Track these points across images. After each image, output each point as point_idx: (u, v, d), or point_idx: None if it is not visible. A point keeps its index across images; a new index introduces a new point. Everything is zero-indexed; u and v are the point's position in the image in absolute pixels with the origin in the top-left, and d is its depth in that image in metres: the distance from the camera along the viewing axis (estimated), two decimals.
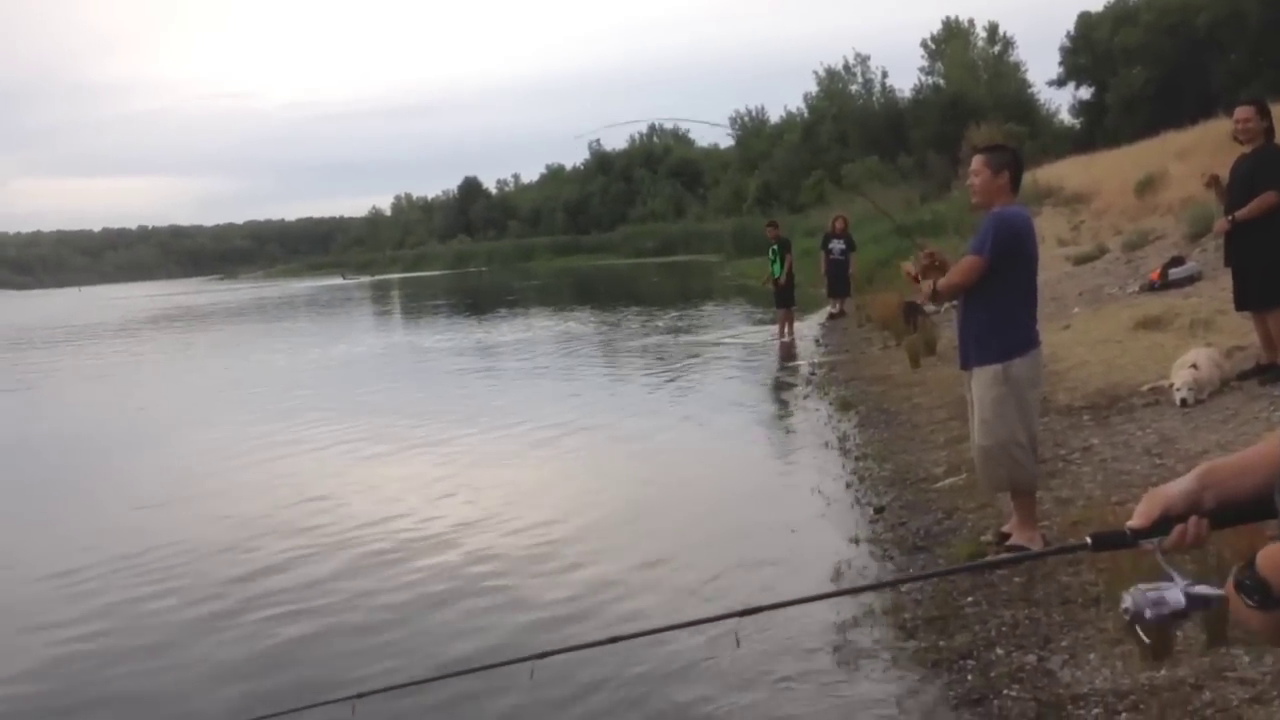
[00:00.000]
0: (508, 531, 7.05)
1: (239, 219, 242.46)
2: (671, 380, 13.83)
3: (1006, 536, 5.46)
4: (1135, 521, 1.78)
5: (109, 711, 4.82)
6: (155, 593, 6.28)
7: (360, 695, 2.56)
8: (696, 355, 16.34)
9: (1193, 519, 1.74)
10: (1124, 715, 3.62)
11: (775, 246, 17.62)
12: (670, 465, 8.93)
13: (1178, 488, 1.79)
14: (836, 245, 18.91)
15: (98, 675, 5.19)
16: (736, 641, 4.51)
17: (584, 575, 5.99)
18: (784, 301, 17.23)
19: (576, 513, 7.41)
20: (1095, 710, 3.70)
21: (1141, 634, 1.73)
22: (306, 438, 11.12)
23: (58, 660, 5.39)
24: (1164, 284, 12.40)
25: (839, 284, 19.00)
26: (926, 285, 5.61)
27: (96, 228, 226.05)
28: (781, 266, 17.20)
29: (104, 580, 6.59)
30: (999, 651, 4.37)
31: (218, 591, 6.21)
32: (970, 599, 4.95)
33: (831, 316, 18.90)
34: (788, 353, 15.66)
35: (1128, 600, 1.72)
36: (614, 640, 2.39)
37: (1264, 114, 7.40)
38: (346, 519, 7.66)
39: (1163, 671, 3.82)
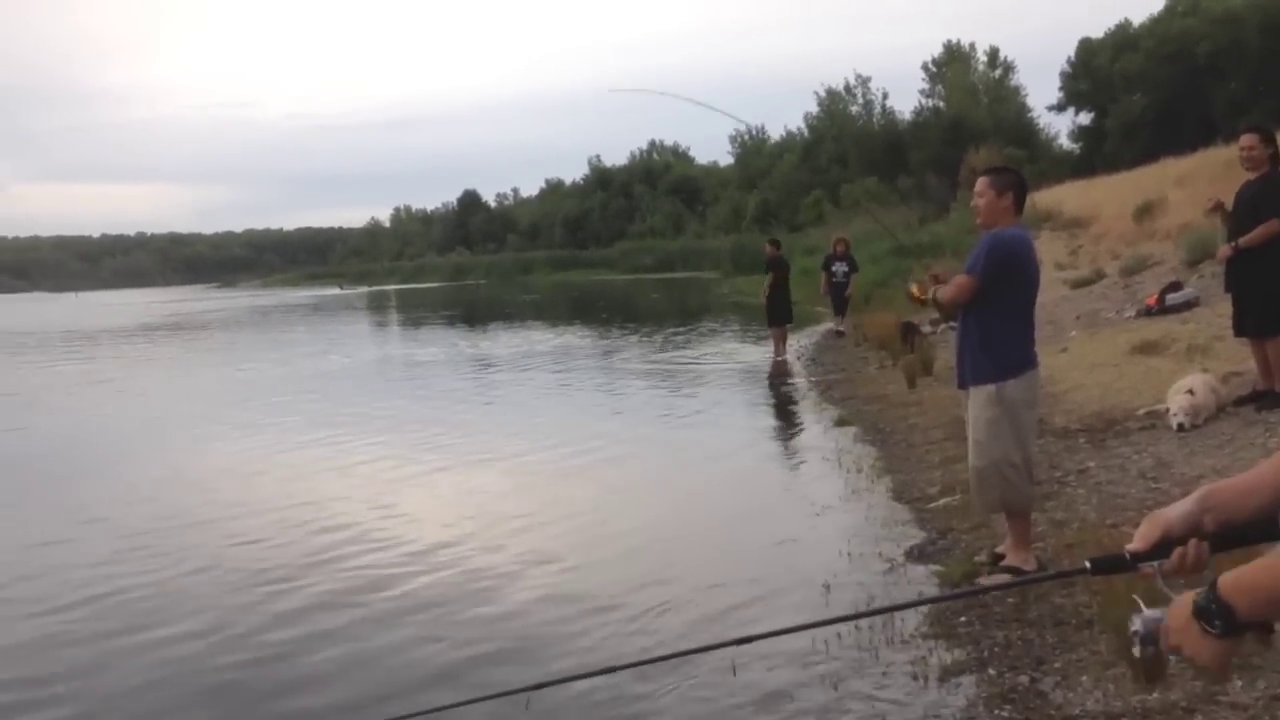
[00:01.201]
0: (497, 553, 6.85)
1: (238, 228, 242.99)
2: (665, 398, 13.81)
3: (1001, 557, 5.45)
4: (1135, 545, 1.76)
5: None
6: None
7: None
8: (691, 373, 16.33)
9: (1192, 542, 1.72)
10: None
11: (766, 264, 17.78)
12: (664, 483, 8.86)
13: (1177, 511, 1.77)
14: (840, 267, 19.06)
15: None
16: (733, 669, 4.51)
17: (578, 604, 5.74)
18: (773, 320, 17.19)
19: (565, 538, 7.17)
20: None
21: (1143, 656, 1.70)
22: (289, 449, 11.09)
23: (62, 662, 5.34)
24: (1161, 309, 12.42)
25: (840, 304, 19.20)
26: (930, 288, 5.64)
27: (95, 233, 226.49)
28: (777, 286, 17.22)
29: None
30: (991, 672, 4.35)
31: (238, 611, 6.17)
32: (964, 619, 4.93)
33: (837, 334, 18.90)
34: (781, 371, 15.66)
35: (1137, 623, 1.70)
36: (610, 670, 2.37)
37: (1269, 141, 7.43)
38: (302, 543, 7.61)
39: (1155, 695, 3.81)
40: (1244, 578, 1.44)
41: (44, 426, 13.79)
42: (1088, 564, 1.83)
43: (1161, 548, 1.74)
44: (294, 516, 8.02)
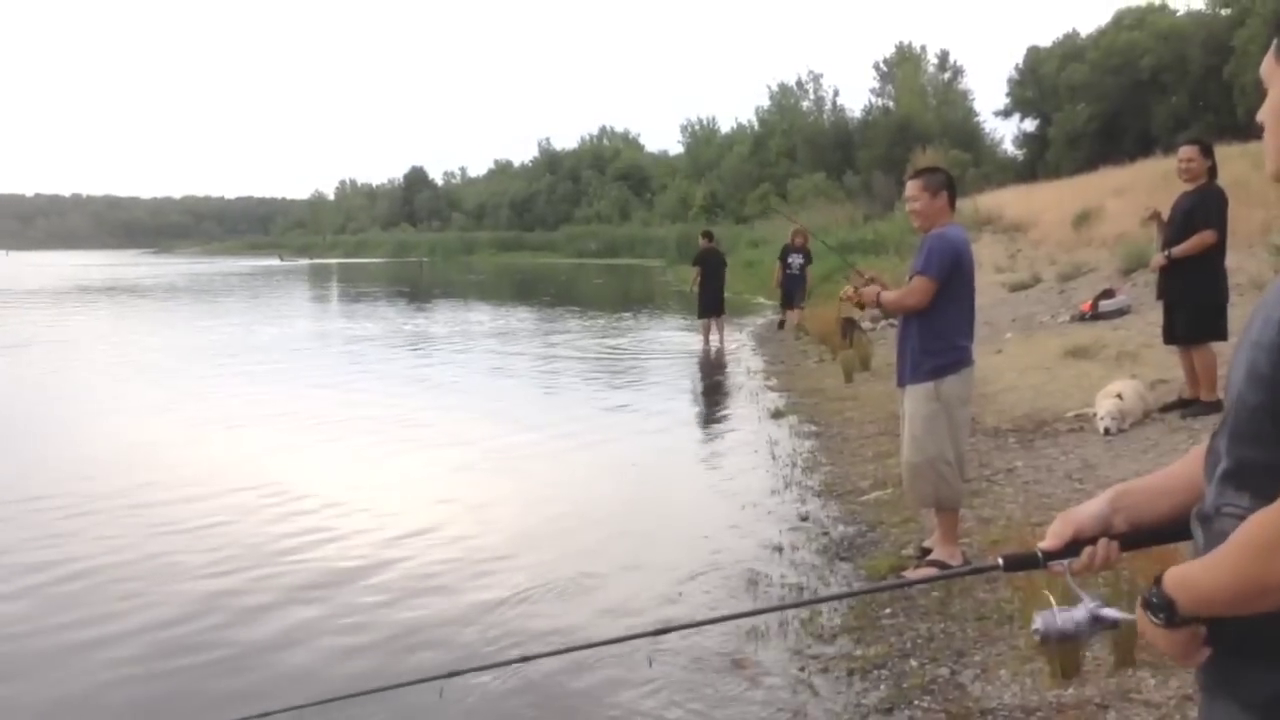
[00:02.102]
0: (399, 541, 6.63)
1: (176, 193, 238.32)
2: (603, 385, 13.79)
3: (928, 551, 5.51)
4: (1047, 543, 1.79)
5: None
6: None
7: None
8: (630, 359, 16.33)
9: (1102, 541, 1.75)
10: None
11: (695, 257, 18.14)
12: (594, 471, 8.77)
13: (1089, 510, 1.79)
14: (796, 260, 18.78)
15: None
16: (649, 661, 4.50)
17: (497, 590, 5.61)
18: (703, 311, 17.47)
19: (490, 524, 7.03)
20: None
21: (1049, 653, 1.74)
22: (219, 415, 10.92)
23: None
24: (1095, 315, 12.66)
25: (793, 296, 18.82)
26: (870, 292, 5.64)
27: (29, 192, 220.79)
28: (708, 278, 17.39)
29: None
30: (913, 663, 4.40)
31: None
32: (888, 610, 4.98)
33: (780, 325, 19.04)
34: (713, 361, 15.75)
35: (1038, 621, 1.74)
36: (525, 659, 2.33)
37: (1207, 154, 7.55)
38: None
39: (1070, 690, 3.86)
40: (1186, 575, 1.47)
41: None
42: (1000, 561, 1.87)
43: (1072, 546, 1.76)
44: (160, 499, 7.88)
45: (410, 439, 9.99)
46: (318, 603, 5.55)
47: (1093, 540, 1.75)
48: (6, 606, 5.52)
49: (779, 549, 6.12)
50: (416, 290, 38.70)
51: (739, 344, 17.44)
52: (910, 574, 5.28)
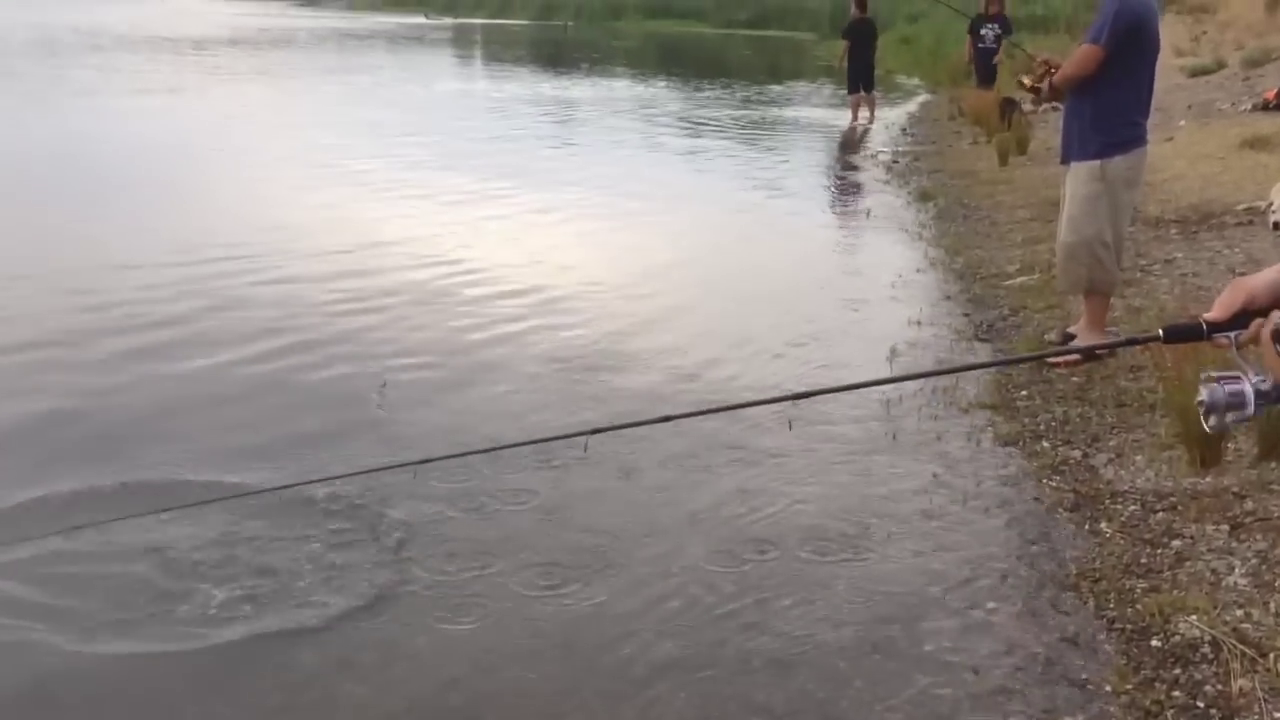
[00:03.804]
0: (557, 304, 6.66)
1: None
2: (743, 159, 13.53)
3: (1071, 337, 5.41)
4: (1213, 313, 1.66)
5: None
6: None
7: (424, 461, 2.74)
8: (776, 135, 15.96)
9: (1275, 313, 1.60)
10: (1160, 514, 3.66)
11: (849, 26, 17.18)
12: (733, 244, 8.74)
13: (1264, 278, 1.65)
14: (990, 30, 16.02)
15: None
16: (789, 425, 4.56)
17: (643, 353, 5.69)
18: (852, 86, 16.75)
19: (638, 289, 7.05)
20: (1132, 507, 3.75)
21: (1211, 427, 1.68)
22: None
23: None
24: (1279, 105, 11.75)
25: (986, 73, 16.39)
26: (1042, 75, 5.37)
27: None
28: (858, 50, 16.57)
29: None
30: (1045, 444, 4.40)
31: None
32: (1024, 392, 4.96)
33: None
34: (861, 138, 15.23)
35: (1203, 393, 1.67)
36: (667, 419, 2.40)
37: None
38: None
39: (1208, 479, 3.84)
40: None
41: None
42: (1160, 332, 1.79)
43: (1241, 318, 1.68)
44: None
45: (562, 207, 9.93)
46: (474, 355, 5.68)
47: (1264, 312, 1.66)
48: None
49: (918, 324, 6.09)
50: (560, 55, 38.12)
51: (890, 123, 16.83)
52: (1053, 360, 5.22)
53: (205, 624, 3.09)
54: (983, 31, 16.13)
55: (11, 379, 5.09)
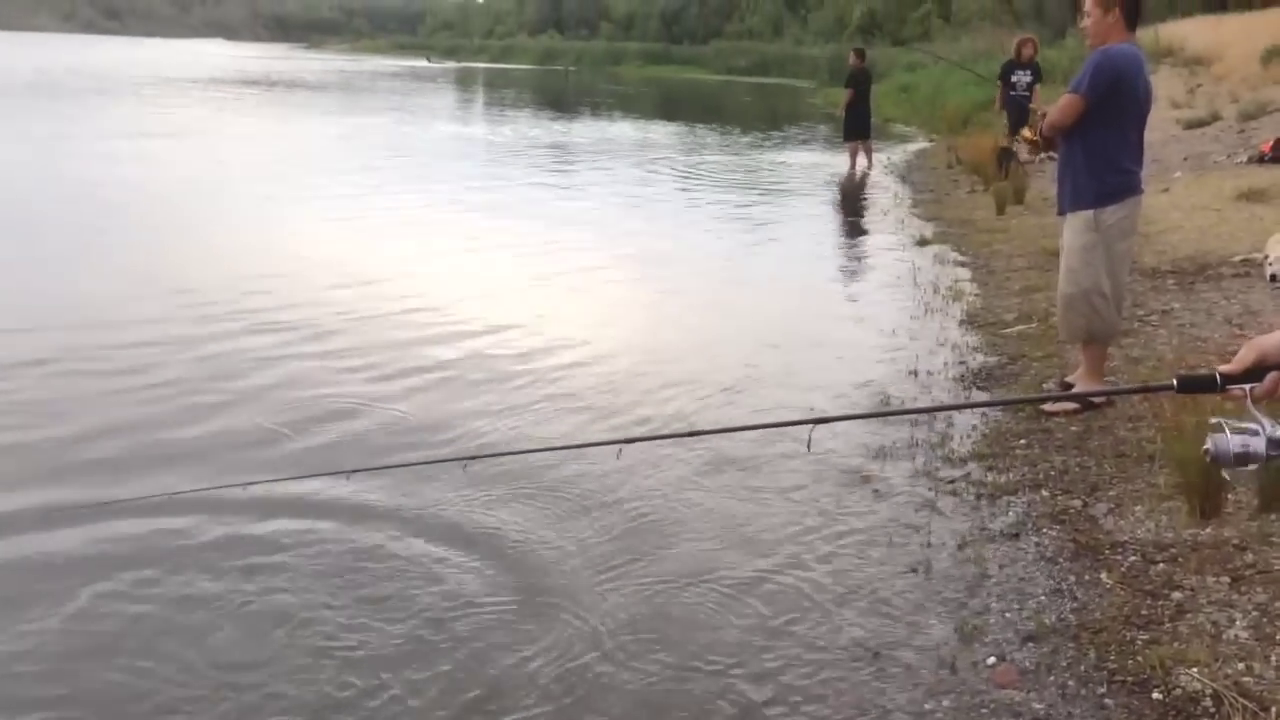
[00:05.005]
0: (565, 342, 7.00)
1: None
2: (739, 204, 13.59)
3: (1069, 387, 5.40)
4: (1229, 367, 1.73)
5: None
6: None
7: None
8: (774, 179, 16.06)
9: None
10: (1161, 565, 3.63)
11: (847, 76, 17.40)
12: (733, 289, 8.76)
13: (1276, 339, 1.73)
14: (1022, 77, 14.92)
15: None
16: (808, 445, 4.54)
17: (660, 376, 6.02)
18: (849, 134, 17.08)
19: (632, 335, 7.28)
20: (1132, 557, 3.72)
21: (1225, 475, 1.73)
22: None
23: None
24: (1275, 157, 11.85)
25: (1019, 122, 14.21)
26: (1033, 129, 5.45)
27: None
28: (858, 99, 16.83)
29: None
30: (1044, 493, 4.37)
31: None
32: (1023, 441, 4.94)
33: (1006, 155, 14.29)
34: (860, 185, 15.33)
35: (1210, 442, 1.69)
36: (694, 434, 2.47)
37: None
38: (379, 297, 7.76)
39: (1208, 530, 3.81)
40: None
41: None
42: (1175, 381, 1.80)
43: (1255, 371, 1.70)
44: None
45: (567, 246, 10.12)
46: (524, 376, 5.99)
47: (1278, 368, 1.70)
48: None
49: (914, 373, 6.08)
50: (561, 100, 38.44)
51: (887, 169, 16.95)
52: (1049, 407, 5.22)
53: None
54: (1013, 79, 15.29)
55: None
